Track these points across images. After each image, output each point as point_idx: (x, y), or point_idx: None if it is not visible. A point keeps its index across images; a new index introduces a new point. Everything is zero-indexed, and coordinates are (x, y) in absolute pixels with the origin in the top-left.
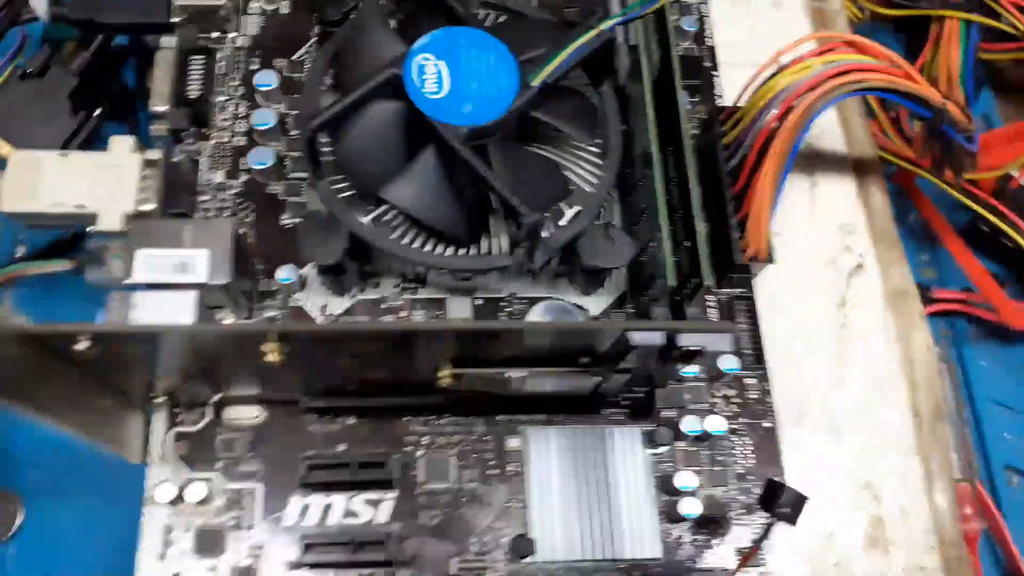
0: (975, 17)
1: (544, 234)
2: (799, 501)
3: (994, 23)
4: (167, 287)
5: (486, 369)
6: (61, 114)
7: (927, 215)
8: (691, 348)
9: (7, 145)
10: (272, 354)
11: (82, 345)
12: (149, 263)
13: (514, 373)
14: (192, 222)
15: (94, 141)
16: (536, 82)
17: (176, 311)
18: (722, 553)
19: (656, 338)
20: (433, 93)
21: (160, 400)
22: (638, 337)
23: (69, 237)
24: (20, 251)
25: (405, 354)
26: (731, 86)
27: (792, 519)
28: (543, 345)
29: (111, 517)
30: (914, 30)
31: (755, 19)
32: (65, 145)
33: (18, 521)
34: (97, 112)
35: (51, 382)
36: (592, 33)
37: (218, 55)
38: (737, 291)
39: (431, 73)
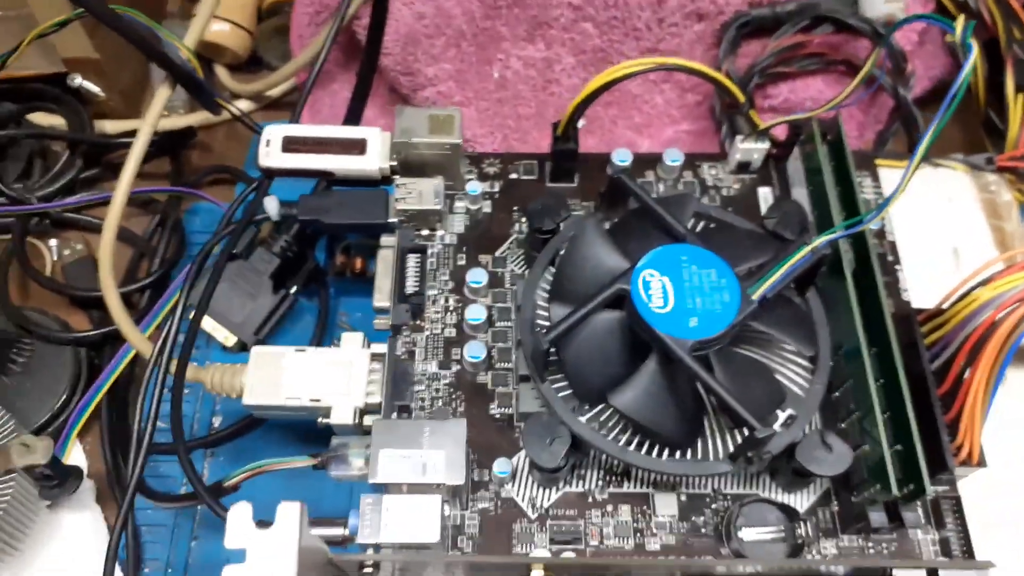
0: None
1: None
2: None
3: None
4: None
5: None
6: (262, 292)
7: None
8: None
9: (233, 337)
10: None
11: (368, 570)
12: (391, 463)
13: None
14: (429, 423)
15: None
16: (756, 296)
17: (423, 515)
18: None
19: None
20: (660, 308)
21: None
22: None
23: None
24: (217, 422)
25: None
26: (907, 279)
27: None
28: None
29: None
30: None
31: (929, 212)
32: (267, 320)
33: None
34: (294, 290)
35: None
36: (807, 249)
37: (429, 251)
38: (942, 488)
39: (656, 288)
